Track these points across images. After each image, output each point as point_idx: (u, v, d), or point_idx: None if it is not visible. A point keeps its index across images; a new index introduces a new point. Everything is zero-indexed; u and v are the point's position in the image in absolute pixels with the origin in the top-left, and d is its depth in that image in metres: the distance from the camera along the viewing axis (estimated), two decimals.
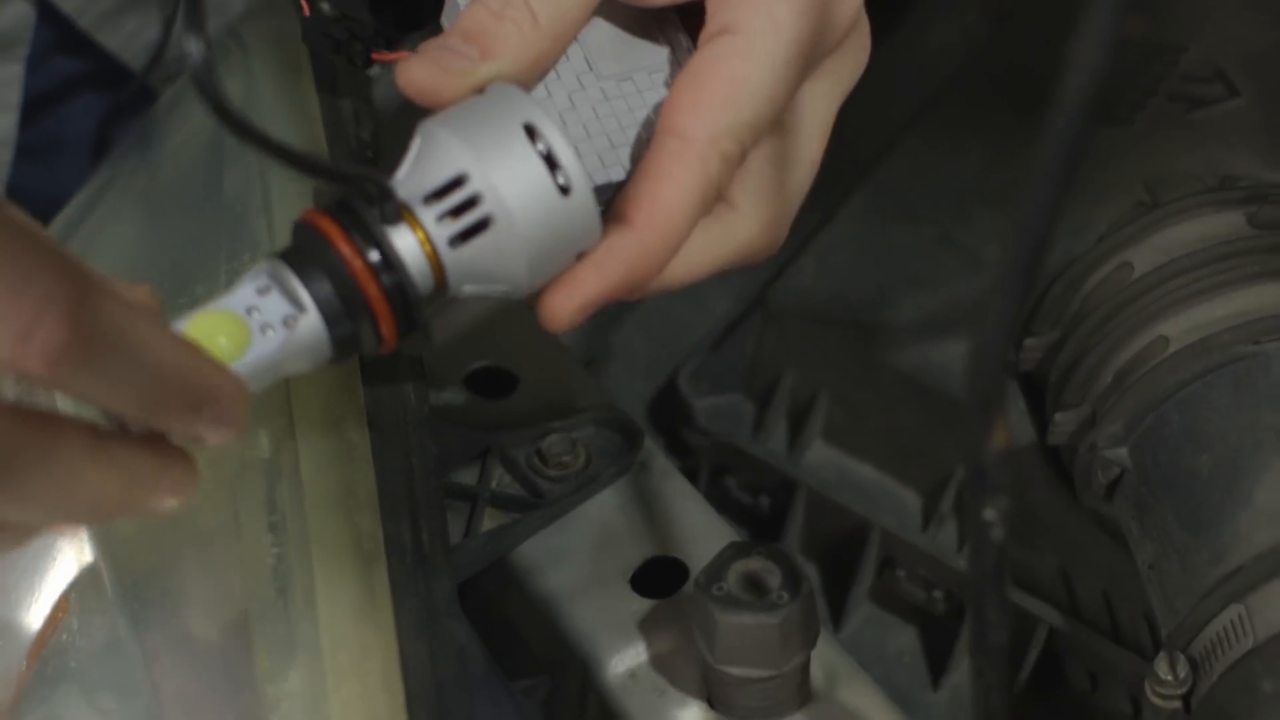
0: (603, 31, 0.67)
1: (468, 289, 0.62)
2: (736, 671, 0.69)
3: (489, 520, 0.77)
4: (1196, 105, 0.85)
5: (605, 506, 0.78)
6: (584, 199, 0.61)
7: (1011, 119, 0.90)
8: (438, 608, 0.66)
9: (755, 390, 0.90)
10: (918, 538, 0.85)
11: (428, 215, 0.60)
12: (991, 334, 0.57)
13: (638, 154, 0.65)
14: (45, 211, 0.85)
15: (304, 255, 0.60)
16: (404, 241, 0.60)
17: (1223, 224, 0.79)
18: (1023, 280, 0.57)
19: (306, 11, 0.74)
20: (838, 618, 0.87)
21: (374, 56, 0.70)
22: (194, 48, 0.58)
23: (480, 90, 0.62)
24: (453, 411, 0.81)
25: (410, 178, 0.61)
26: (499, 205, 0.60)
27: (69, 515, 0.57)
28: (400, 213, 0.60)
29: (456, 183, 0.60)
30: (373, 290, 0.59)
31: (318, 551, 0.67)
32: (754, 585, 0.69)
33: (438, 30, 0.67)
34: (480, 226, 0.60)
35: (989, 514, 0.59)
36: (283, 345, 0.59)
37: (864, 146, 0.91)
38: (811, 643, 0.70)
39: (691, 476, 0.92)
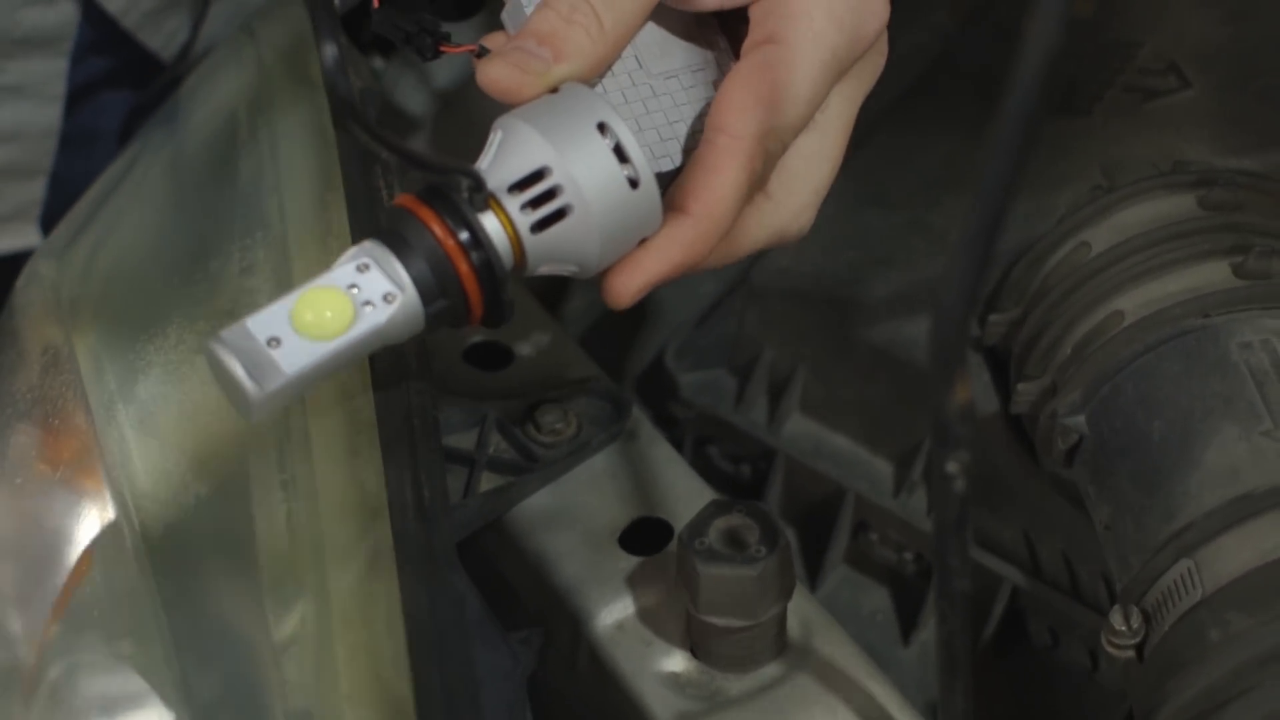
0: (651, 34, 0.70)
1: (543, 269, 0.65)
2: (717, 621, 0.70)
3: (486, 483, 0.78)
4: (1151, 96, 0.86)
5: (595, 471, 0.79)
6: (649, 190, 0.65)
7: (977, 113, 0.90)
8: (438, 559, 0.67)
9: (737, 365, 0.91)
10: (890, 503, 0.86)
11: (512, 204, 0.63)
12: (952, 296, 0.59)
13: (686, 146, 0.68)
14: None
15: (400, 237, 0.62)
16: (490, 226, 0.63)
17: (1175, 206, 0.80)
18: (981, 244, 0.58)
19: (376, 3, 0.76)
20: (814, 579, 0.88)
21: (441, 49, 0.71)
22: (328, 52, 0.59)
23: (553, 90, 0.65)
24: (453, 383, 0.82)
25: (494, 167, 0.64)
26: (576, 196, 0.63)
27: None
28: (487, 201, 0.63)
29: (539, 175, 0.63)
30: (464, 268, 0.62)
31: (325, 507, 0.68)
32: (734, 540, 0.70)
33: (492, 18, 0.69)
34: (559, 215, 0.63)
35: (951, 467, 0.60)
36: (383, 321, 0.61)
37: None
38: (787, 595, 0.71)
39: (676, 447, 0.92)
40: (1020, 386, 0.80)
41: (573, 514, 0.77)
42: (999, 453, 0.83)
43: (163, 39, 1.00)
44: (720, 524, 0.71)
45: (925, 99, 0.91)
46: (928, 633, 0.86)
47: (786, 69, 0.65)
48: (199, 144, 0.84)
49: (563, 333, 0.85)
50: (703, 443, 0.91)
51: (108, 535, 0.71)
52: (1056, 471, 0.80)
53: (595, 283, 0.67)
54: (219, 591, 0.68)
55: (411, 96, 1.01)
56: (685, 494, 0.78)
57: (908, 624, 0.86)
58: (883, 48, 0.71)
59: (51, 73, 0.98)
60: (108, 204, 0.84)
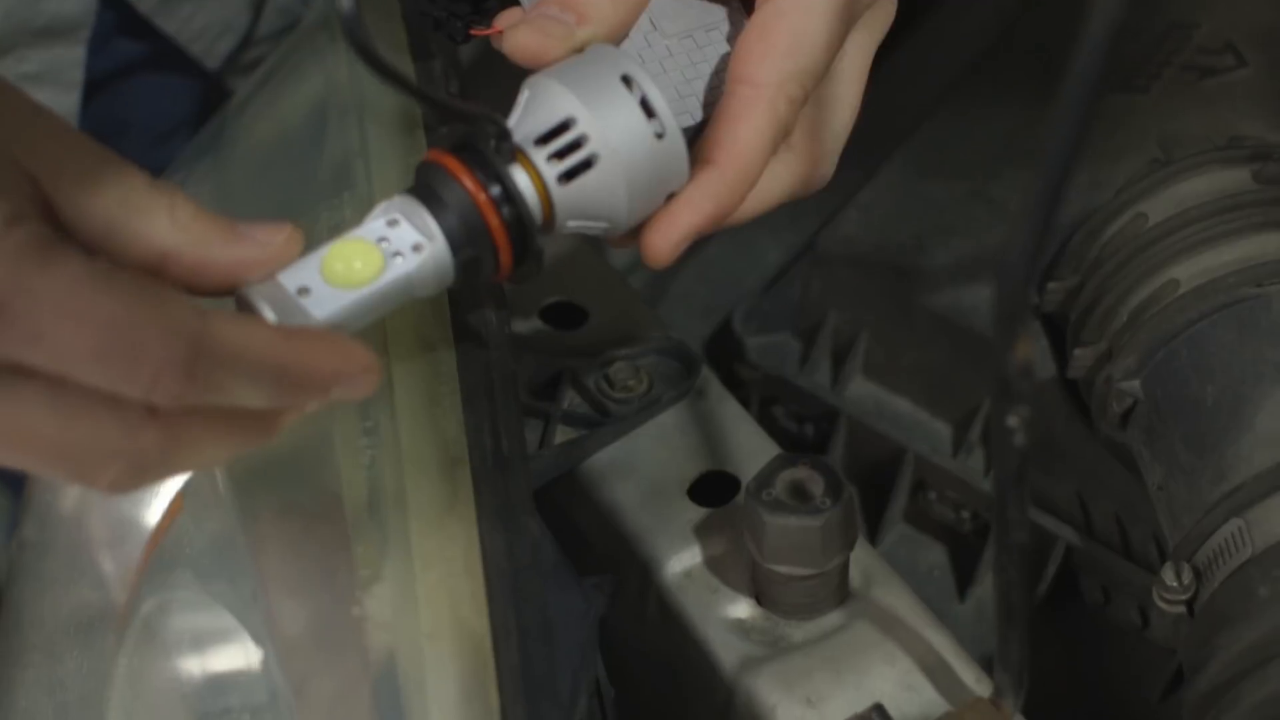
0: None
1: (572, 224, 0.64)
2: (782, 570, 0.70)
3: (560, 435, 0.78)
4: (1207, 74, 0.85)
5: (665, 426, 0.79)
6: (676, 142, 0.63)
7: (1037, 90, 0.90)
8: (515, 504, 0.67)
9: (802, 329, 0.90)
10: (948, 463, 0.85)
11: (539, 155, 0.62)
12: (1016, 256, 0.58)
13: (706, 101, 0.67)
14: None
15: (429, 189, 0.61)
16: (520, 180, 0.62)
17: (1230, 179, 0.79)
18: (1045, 207, 0.58)
19: None
20: (874, 535, 0.87)
21: (471, 31, 0.71)
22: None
23: (578, 52, 0.64)
24: (531, 340, 0.82)
25: (522, 123, 0.63)
26: (603, 145, 0.62)
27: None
28: (514, 154, 0.62)
29: (564, 126, 0.62)
30: (494, 221, 0.61)
31: (408, 454, 0.68)
32: (799, 492, 0.70)
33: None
34: (585, 165, 0.62)
35: (1012, 421, 0.60)
36: (412, 269, 0.61)
37: (906, 111, 0.92)
38: (850, 545, 0.70)
39: (744, 406, 0.92)
40: (1077, 351, 0.79)
41: (643, 467, 0.77)
42: (1055, 416, 0.83)
43: (178, 24, 1.00)
44: (786, 476, 0.70)
45: (987, 75, 0.91)
46: (983, 589, 0.85)
47: (801, 14, 0.65)
48: (288, 117, 0.84)
49: (634, 294, 0.85)
50: (768, 403, 0.91)
51: (198, 478, 0.71)
52: (1111, 434, 0.79)
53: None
54: (303, 532, 0.68)
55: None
56: (752, 449, 0.77)
57: (964, 580, 0.86)
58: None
59: (70, 60, 0.97)
60: (197, 170, 0.84)
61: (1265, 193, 0.78)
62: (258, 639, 0.67)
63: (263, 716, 0.66)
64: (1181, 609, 0.71)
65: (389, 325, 0.72)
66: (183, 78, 1.04)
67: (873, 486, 0.88)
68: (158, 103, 1.04)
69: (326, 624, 0.66)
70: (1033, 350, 0.58)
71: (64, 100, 0.98)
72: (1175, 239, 0.78)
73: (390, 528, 0.66)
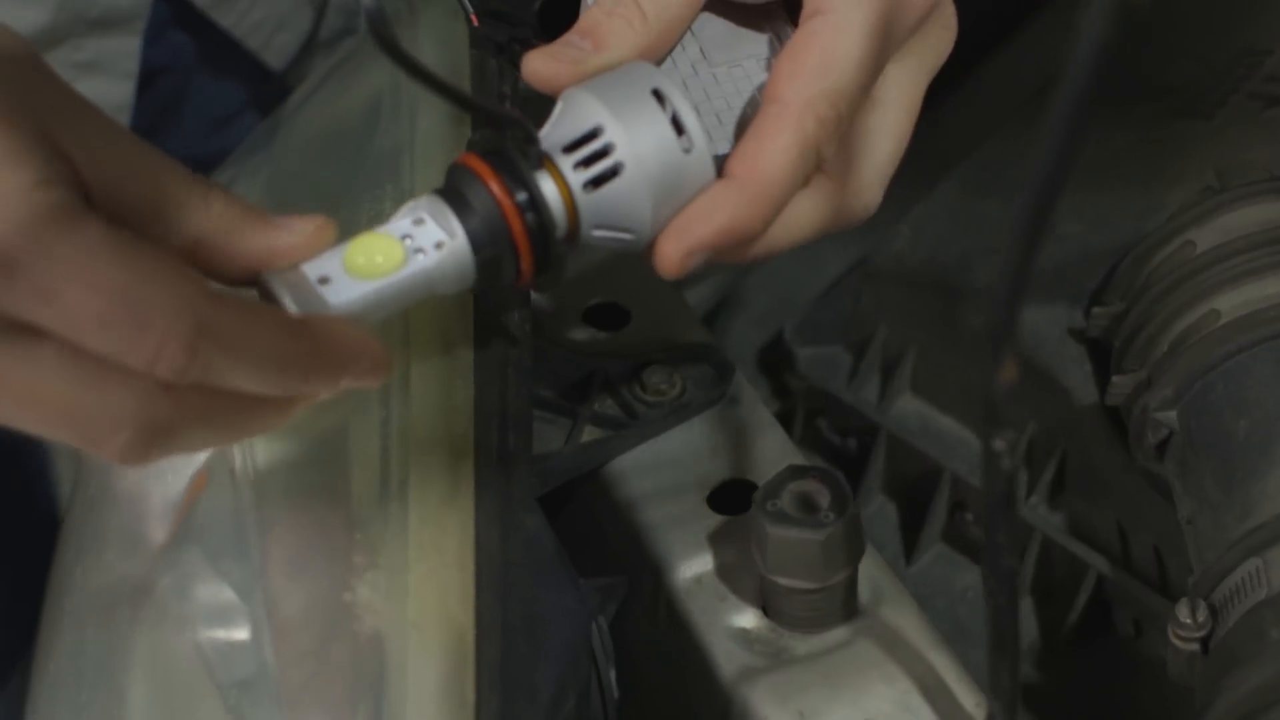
0: (714, 25, 0.68)
1: (597, 234, 0.63)
2: (784, 582, 0.69)
3: (587, 435, 0.77)
4: (1272, 104, 0.82)
5: (694, 431, 0.78)
6: (703, 159, 0.63)
7: (1094, 113, 0.88)
8: (514, 501, 0.67)
9: (852, 343, 0.89)
10: None
11: (565, 162, 0.62)
12: (1004, 279, 0.57)
13: (742, 129, 0.66)
14: None
15: (455, 190, 0.61)
16: (545, 185, 0.61)
17: None
18: (1031, 231, 0.56)
19: (475, 22, 0.76)
20: (910, 553, 0.86)
21: None
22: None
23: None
24: (571, 341, 0.82)
25: (552, 132, 0.63)
26: (629, 155, 0.62)
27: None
28: (542, 160, 0.62)
29: (592, 135, 0.62)
30: (517, 226, 0.61)
31: (416, 446, 0.68)
32: (806, 504, 0.69)
33: None
34: (611, 173, 0.62)
35: (998, 444, 0.58)
36: (432, 266, 0.61)
37: (968, 132, 0.90)
38: (854, 561, 0.69)
39: (789, 418, 0.91)
40: (1116, 379, 0.77)
41: (667, 471, 0.76)
42: (1097, 445, 0.80)
43: (235, 17, 1.01)
44: (795, 488, 0.69)
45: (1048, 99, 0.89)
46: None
47: (831, 34, 0.63)
48: (342, 115, 0.84)
49: (679, 298, 0.84)
50: (812, 415, 0.90)
51: (219, 456, 0.71)
52: (1148, 465, 0.76)
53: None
54: (311, 516, 0.69)
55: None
56: (777, 460, 0.76)
57: None
58: (949, 23, 0.68)
59: (125, 50, 0.99)
60: (251, 162, 0.85)
61: None
62: (254, 618, 0.67)
63: (250, 691, 0.66)
64: (1195, 647, 0.69)
65: (411, 318, 0.72)
66: (240, 69, 1.05)
67: (912, 504, 0.87)
68: (214, 92, 1.06)
69: (320, 607, 0.66)
70: (1018, 374, 0.56)
71: (118, 89, 0.99)
72: (1220, 269, 0.75)
73: (391, 517, 0.66)
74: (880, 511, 0.88)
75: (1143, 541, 0.81)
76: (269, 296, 0.60)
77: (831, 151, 0.64)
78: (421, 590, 0.64)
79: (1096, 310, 0.79)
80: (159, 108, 1.03)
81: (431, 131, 0.78)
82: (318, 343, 0.58)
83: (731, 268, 0.97)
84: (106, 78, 0.98)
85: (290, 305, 0.59)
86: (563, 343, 0.81)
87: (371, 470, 0.68)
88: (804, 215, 0.66)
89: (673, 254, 0.62)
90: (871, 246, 0.91)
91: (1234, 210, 0.77)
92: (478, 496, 0.66)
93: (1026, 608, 0.83)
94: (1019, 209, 0.55)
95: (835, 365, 0.89)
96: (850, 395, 0.88)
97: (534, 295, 0.84)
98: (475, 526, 0.65)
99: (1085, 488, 0.81)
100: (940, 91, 0.90)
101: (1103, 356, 0.80)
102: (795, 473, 0.69)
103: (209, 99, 1.06)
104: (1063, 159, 0.54)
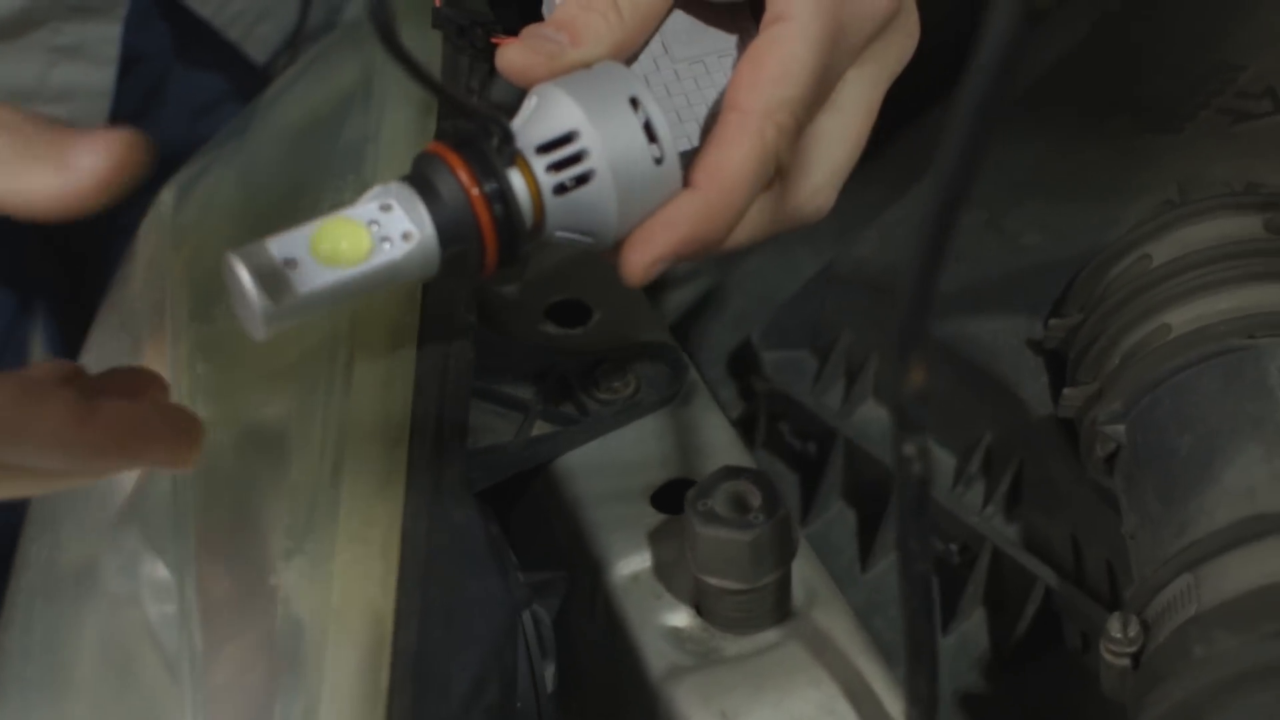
0: (679, 20, 0.68)
1: (560, 235, 0.63)
2: (714, 582, 0.69)
3: (537, 430, 0.77)
4: (1241, 119, 0.81)
5: (644, 430, 0.78)
6: (672, 169, 0.63)
7: (1071, 123, 0.88)
8: (444, 490, 0.67)
9: (818, 348, 0.89)
10: (943, 494, 0.83)
11: (538, 163, 0.62)
12: (912, 282, 0.56)
13: (704, 127, 0.66)
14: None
15: (426, 180, 0.61)
16: (515, 181, 0.61)
17: (1239, 226, 0.75)
18: (937, 235, 0.56)
19: (438, 3, 0.76)
20: (865, 560, 0.85)
21: (493, 40, 0.70)
22: None
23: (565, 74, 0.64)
24: (531, 336, 0.82)
25: (526, 129, 0.62)
26: (601, 163, 0.62)
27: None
28: (514, 157, 0.61)
29: (567, 139, 0.62)
30: (485, 217, 0.61)
31: (351, 435, 0.68)
32: (738, 505, 0.69)
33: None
34: (582, 180, 0.62)
35: (909, 449, 0.58)
36: (398, 258, 0.61)
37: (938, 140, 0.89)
38: (784, 563, 0.69)
39: (752, 420, 0.91)
40: (1067, 391, 0.76)
41: (613, 468, 0.76)
42: (1052, 457, 0.80)
43: (213, 8, 1.01)
44: (727, 488, 0.69)
45: (1022, 109, 0.88)
46: (970, 623, 0.83)
47: (791, 42, 0.63)
48: (316, 106, 0.85)
49: (641, 298, 0.83)
50: (775, 419, 0.89)
51: None
52: (1098, 478, 0.76)
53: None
54: (247, 502, 0.69)
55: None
56: (724, 460, 0.76)
57: (948, 613, 0.83)
58: (911, 30, 0.68)
59: (106, 36, 0.99)
60: (226, 149, 0.85)
61: (1271, 242, 0.74)
62: (185, 598, 0.67)
63: (177, 670, 0.67)
64: (1127, 662, 0.68)
65: (358, 307, 0.72)
66: (221, 59, 1.06)
67: (868, 510, 0.86)
68: (195, 81, 1.07)
69: (245, 590, 0.66)
70: (927, 379, 0.56)
71: (99, 75, 1.00)
72: (1173, 283, 0.74)
73: (322, 504, 0.67)
74: (840, 516, 0.87)
75: (1096, 555, 0.80)
76: (232, 277, 0.59)
77: (788, 157, 0.64)
78: (345, 577, 0.64)
79: (1053, 322, 0.78)
80: (140, 94, 1.04)
81: (398, 125, 0.79)
82: (108, 431, 0.58)
83: (708, 270, 0.97)
84: (87, 63, 0.99)
85: (252, 288, 0.58)
86: (523, 338, 0.81)
87: (308, 457, 0.69)
88: (756, 217, 0.66)
89: (637, 263, 0.63)
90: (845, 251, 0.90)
91: (1191, 225, 0.76)
92: (409, 486, 0.66)
93: (979, 619, 0.83)
94: (925, 213, 0.55)
95: (801, 369, 0.89)
96: (813, 400, 0.87)
97: (498, 290, 0.84)
98: (403, 515, 0.65)
99: (1041, 500, 0.81)
100: (922, 99, 0.89)
101: (1060, 368, 0.79)
102: (729, 473, 0.69)
103: (190, 87, 1.06)
104: (967, 161, 0.53)
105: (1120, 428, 0.74)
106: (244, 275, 0.59)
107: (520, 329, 0.82)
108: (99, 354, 0.78)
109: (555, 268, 0.85)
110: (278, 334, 0.59)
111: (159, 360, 0.74)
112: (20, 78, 0.97)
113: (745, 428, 0.91)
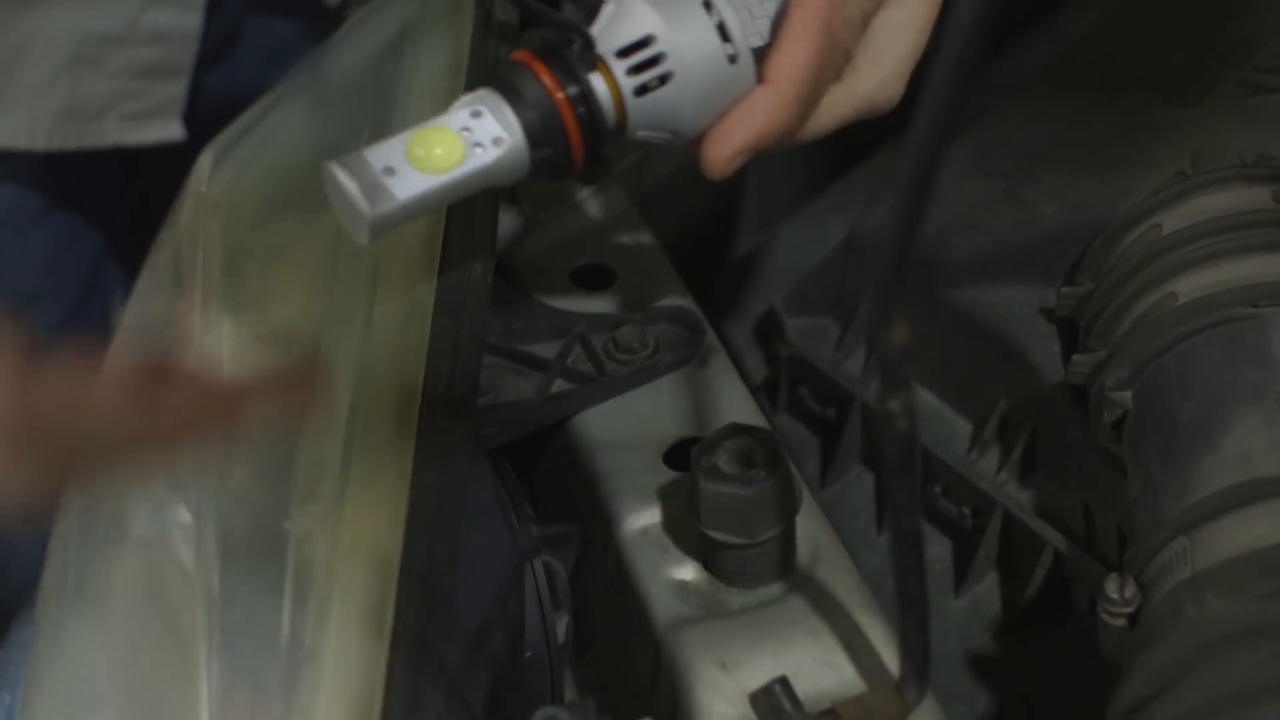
0: None
1: (641, 134, 0.67)
2: (717, 536, 0.70)
3: (556, 388, 0.78)
4: (1258, 92, 0.81)
5: (660, 390, 0.79)
6: (746, 67, 0.66)
7: (1091, 96, 0.88)
8: (454, 442, 0.68)
9: (841, 315, 0.90)
10: (955, 459, 0.84)
11: (618, 66, 0.65)
12: (890, 240, 0.57)
13: (774, 23, 0.68)
14: (224, 107, 0.89)
15: (513, 87, 0.64)
16: (597, 85, 0.65)
17: (1248, 197, 0.76)
18: (915, 194, 0.57)
19: None
20: (881, 521, 0.86)
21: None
22: None
23: None
24: (555, 298, 0.83)
25: (605, 34, 0.65)
26: (678, 65, 0.65)
27: None
28: (595, 62, 0.65)
29: (645, 42, 0.65)
30: (570, 120, 0.64)
31: (368, 386, 0.70)
32: (742, 461, 0.70)
33: None
34: (660, 81, 0.65)
35: (894, 405, 0.59)
36: (491, 161, 0.63)
37: (966, 111, 0.90)
38: (786, 519, 0.70)
39: (776, 384, 0.92)
40: (1076, 357, 0.77)
41: (628, 426, 0.77)
42: (1065, 423, 0.80)
43: None
44: (732, 445, 0.70)
45: (1041, 84, 0.88)
46: (981, 586, 0.83)
47: None
48: (356, 63, 0.86)
49: (664, 261, 0.85)
50: (796, 383, 0.90)
51: None
52: (1105, 444, 0.76)
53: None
54: (266, 448, 0.71)
55: None
56: (737, 420, 0.77)
57: (960, 576, 0.84)
58: None
59: None
60: (293, 90, 0.87)
61: (1278, 213, 0.74)
62: (205, 538, 0.69)
63: (194, 614, 0.68)
64: (1123, 623, 0.69)
65: (380, 262, 0.74)
66: (297, 3, 1.08)
67: (885, 474, 0.87)
68: (271, 23, 1.09)
69: (264, 532, 0.68)
70: (909, 332, 0.57)
71: (187, 18, 1.02)
72: (1181, 252, 0.75)
73: (333, 451, 0.68)
74: (858, 480, 0.88)
75: (1106, 521, 0.81)
76: (335, 186, 0.62)
77: (856, 48, 0.67)
78: (354, 520, 0.66)
79: (1065, 290, 0.79)
80: (219, 38, 1.06)
81: (429, 73, 0.80)
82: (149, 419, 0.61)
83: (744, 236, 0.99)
84: (176, 7, 1.01)
85: (357, 195, 0.61)
86: (548, 301, 0.82)
87: (325, 405, 0.70)
88: (830, 108, 0.69)
89: (718, 158, 0.66)
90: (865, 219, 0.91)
91: (1201, 195, 0.77)
92: (419, 437, 0.68)
93: (991, 583, 0.84)
94: (902, 174, 0.55)
95: (824, 336, 0.90)
96: (833, 366, 0.88)
97: (525, 254, 0.86)
98: (413, 464, 0.67)
99: (1055, 466, 0.81)
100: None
101: (1073, 336, 0.80)
102: (734, 430, 0.70)
103: (265, 31, 1.09)
104: (940, 126, 0.54)
105: (1127, 394, 0.74)
106: (349, 184, 0.61)
107: (546, 292, 0.83)
108: (137, 316, 0.80)
109: (581, 232, 0.86)
110: (379, 238, 0.62)
111: (187, 318, 0.76)
112: (113, 22, 1.00)
113: (769, 392, 0.91)
